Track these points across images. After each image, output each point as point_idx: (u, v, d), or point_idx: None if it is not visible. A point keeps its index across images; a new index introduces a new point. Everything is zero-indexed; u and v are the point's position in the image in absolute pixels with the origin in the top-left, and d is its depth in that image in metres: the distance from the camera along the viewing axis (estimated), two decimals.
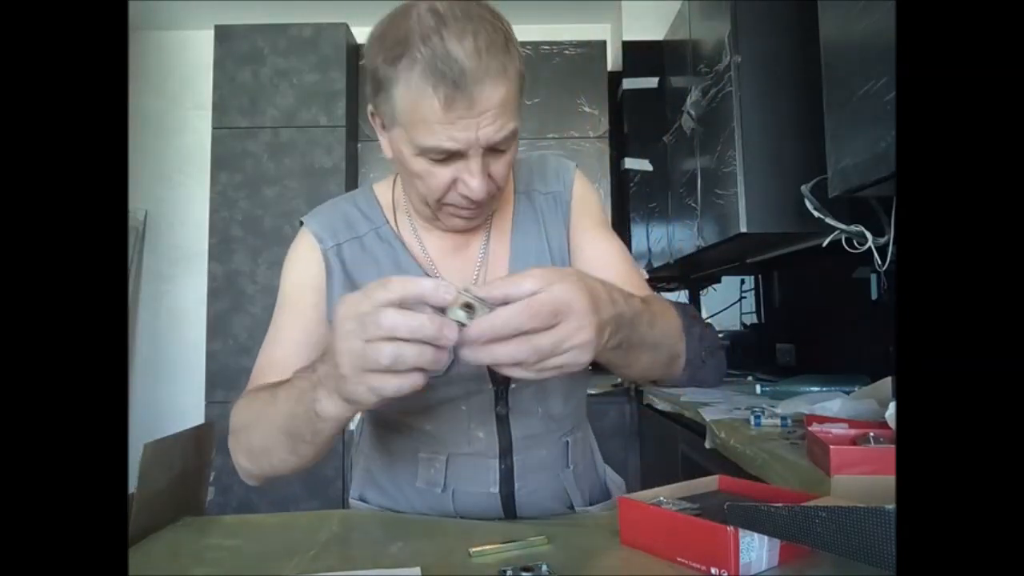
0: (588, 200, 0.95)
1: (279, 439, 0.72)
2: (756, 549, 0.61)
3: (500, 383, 0.85)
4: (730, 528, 0.60)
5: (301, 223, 0.91)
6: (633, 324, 0.69)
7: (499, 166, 0.77)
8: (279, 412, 0.70)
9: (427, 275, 0.86)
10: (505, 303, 0.57)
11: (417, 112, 0.70)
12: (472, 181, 0.74)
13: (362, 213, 0.90)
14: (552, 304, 0.57)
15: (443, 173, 0.75)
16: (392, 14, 0.73)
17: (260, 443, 0.75)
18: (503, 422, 0.86)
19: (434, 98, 0.68)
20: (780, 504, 0.57)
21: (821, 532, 0.53)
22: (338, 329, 0.57)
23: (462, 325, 0.56)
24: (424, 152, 0.73)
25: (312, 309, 0.86)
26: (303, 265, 0.89)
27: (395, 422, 0.89)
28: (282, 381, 0.73)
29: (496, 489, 0.86)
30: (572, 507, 0.90)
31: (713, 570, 0.61)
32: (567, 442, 0.91)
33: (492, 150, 0.74)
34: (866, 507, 0.50)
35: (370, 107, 0.80)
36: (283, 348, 0.85)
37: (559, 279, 0.58)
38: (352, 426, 1.23)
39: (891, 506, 0.46)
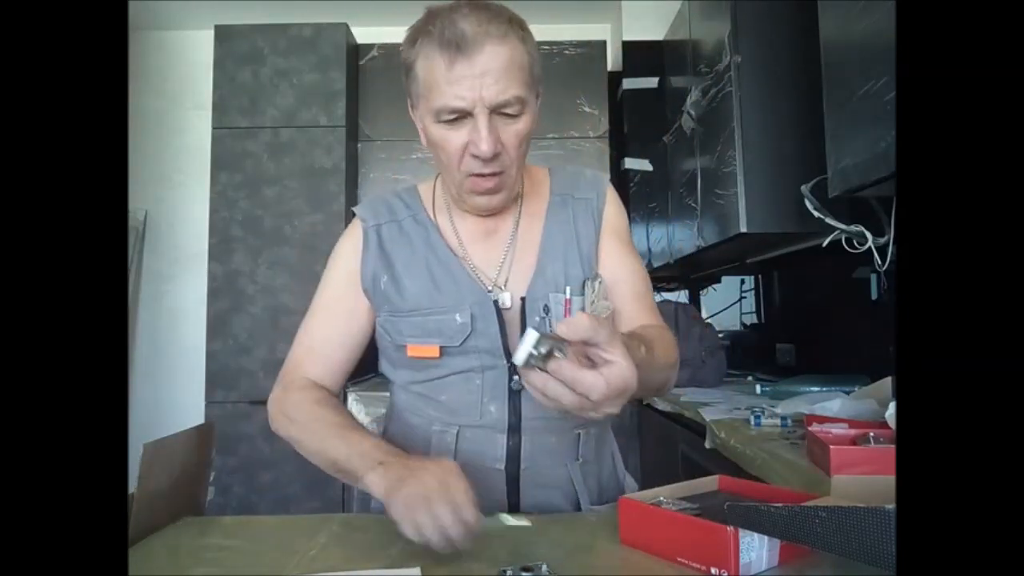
0: (618, 214, 1.02)
1: (323, 462, 0.85)
2: (756, 549, 0.61)
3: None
4: (730, 528, 0.60)
5: (354, 213, 1.01)
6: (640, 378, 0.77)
7: (509, 134, 0.84)
8: (332, 451, 0.82)
9: (456, 256, 0.93)
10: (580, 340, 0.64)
11: (430, 77, 0.81)
12: (480, 139, 0.81)
13: (403, 202, 1.00)
14: (625, 388, 0.64)
15: (456, 137, 0.83)
16: (421, 17, 0.86)
17: (307, 450, 0.87)
18: (515, 397, 0.89)
19: (441, 60, 0.79)
20: (780, 504, 0.57)
21: (821, 532, 0.53)
22: (404, 503, 0.68)
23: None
24: (437, 114, 0.82)
25: (349, 312, 0.96)
26: (347, 255, 0.97)
27: (415, 396, 0.94)
28: (343, 421, 0.86)
29: (502, 466, 0.89)
30: (578, 502, 0.91)
31: (713, 570, 0.61)
32: (578, 434, 0.92)
33: (500, 115, 0.83)
34: (866, 507, 0.50)
35: (409, 98, 0.90)
36: (321, 344, 0.96)
37: (630, 361, 0.65)
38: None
39: (891, 506, 0.46)
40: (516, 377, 0.88)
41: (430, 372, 0.91)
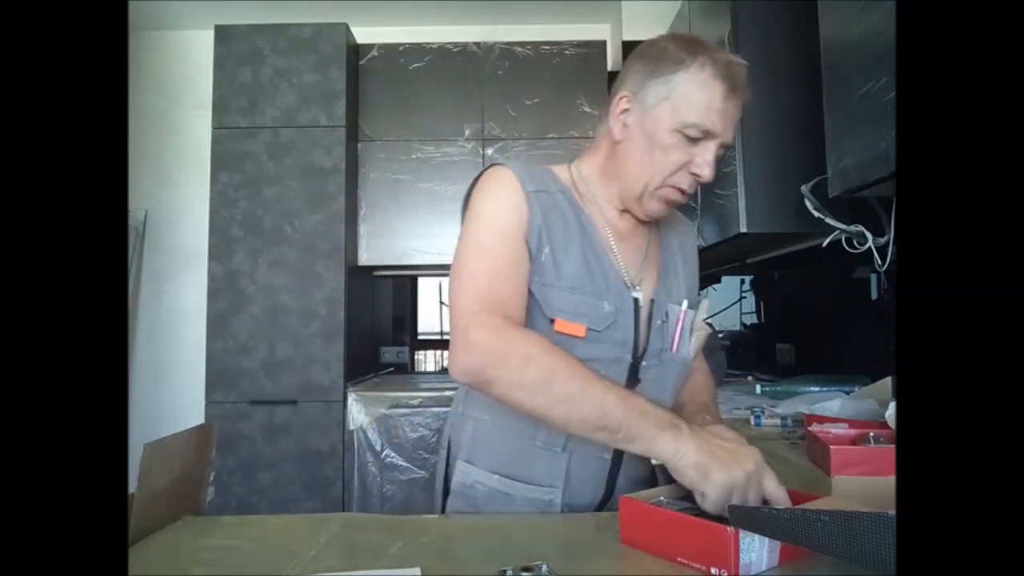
0: (697, 257, 1.12)
1: (583, 411, 0.78)
2: (756, 549, 0.61)
3: (638, 357, 0.94)
4: (730, 528, 0.60)
5: (491, 167, 0.97)
6: None
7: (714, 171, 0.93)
8: (599, 407, 0.77)
9: (606, 246, 0.96)
10: None
11: (700, 95, 0.88)
12: (707, 164, 0.90)
13: (551, 177, 0.99)
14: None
15: (684, 152, 0.90)
16: (668, 37, 0.95)
17: (555, 394, 0.79)
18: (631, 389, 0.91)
19: (718, 90, 0.88)
20: (781, 506, 0.57)
21: (822, 536, 0.53)
22: (717, 486, 0.70)
23: None
24: (687, 126, 0.89)
25: (521, 250, 0.90)
26: (511, 200, 0.92)
27: None
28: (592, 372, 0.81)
29: (609, 455, 0.93)
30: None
31: (713, 570, 0.61)
32: None
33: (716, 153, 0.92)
34: (868, 512, 0.50)
35: (623, 92, 0.95)
36: (510, 290, 0.88)
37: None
38: (352, 426, 1.23)
39: (894, 512, 0.46)
40: (634, 376, 0.93)
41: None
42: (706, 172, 0.90)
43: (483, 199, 0.92)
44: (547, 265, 0.91)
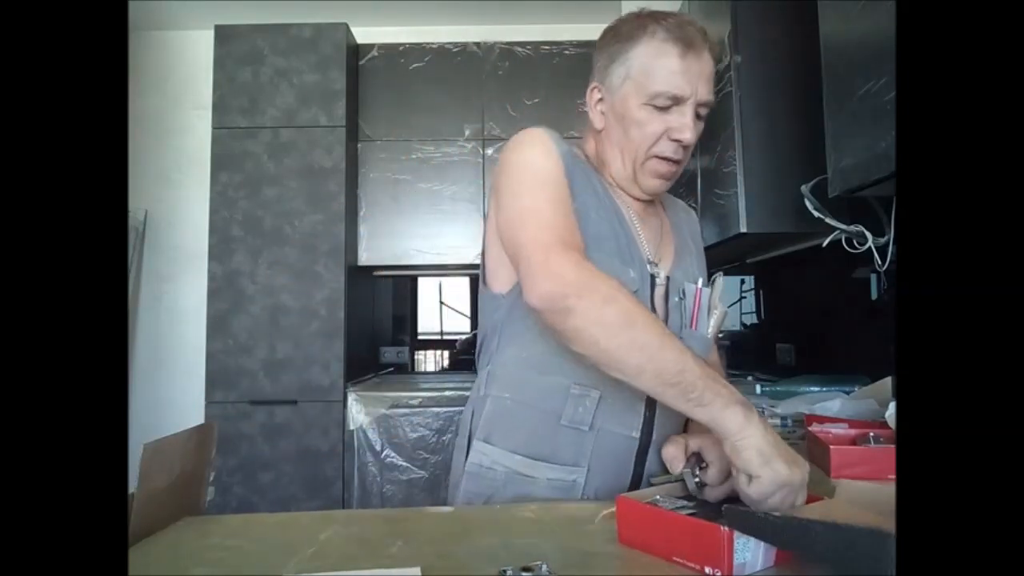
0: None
1: (656, 366, 0.75)
2: (751, 550, 0.61)
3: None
4: (724, 528, 0.60)
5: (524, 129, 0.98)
6: None
7: (695, 134, 0.92)
8: (677, 361, 0.75)
9: (624, 215, 0.97)
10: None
11: (654, 64, 0.90)
12: (685, 127, 0.90)
13: (573, 149, 1.00)
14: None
15: (659, 122, 0.92)
16: (620, 19, 0.97)
17: (634, 339, 0.76)
18: None
19: (673, 53, 0.89)
20: (777, 513, 0.57)
21: (816, 546, 0.53)
22: (770, 480, 0.68)
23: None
24: (653, 97, 0.90)
25: (569, 196, 0.90)
26: (548, 151, 0.93)
27: (556, 349, 0.88)
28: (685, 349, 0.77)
29: (637, 434, 0.91)
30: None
31: (708, 569, 0.61)
32: None
33: (696, 113, 0.92)
34: (863, 527, 0.50)
35: (593, 83, 1.00)
36: (575, 229, 0.87)
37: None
38: (352, 426, 1.23)
39: (887, 528, 0.46)
40: None
41: None
42: (687, 135, 0.90)
43: (524, 151, 0.93)
44: (576, 219, 0.89)
